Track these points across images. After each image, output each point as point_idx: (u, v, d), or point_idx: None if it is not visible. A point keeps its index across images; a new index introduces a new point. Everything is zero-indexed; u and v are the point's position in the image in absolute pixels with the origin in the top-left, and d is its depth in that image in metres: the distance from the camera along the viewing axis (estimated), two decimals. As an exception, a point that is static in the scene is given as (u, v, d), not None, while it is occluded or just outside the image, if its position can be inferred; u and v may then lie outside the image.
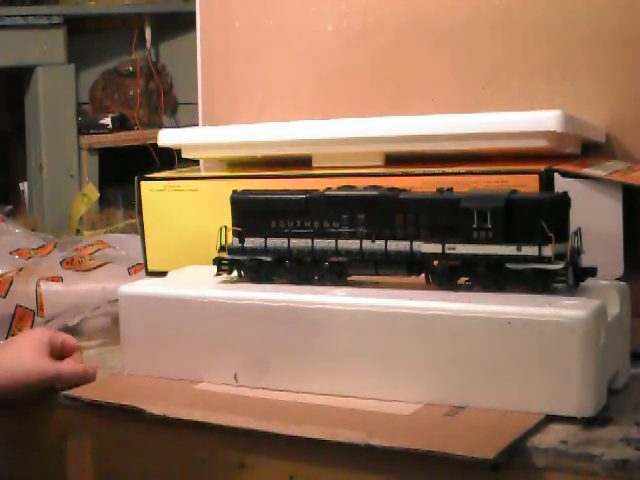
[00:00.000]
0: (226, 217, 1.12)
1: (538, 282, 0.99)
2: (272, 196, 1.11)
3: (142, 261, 1.34)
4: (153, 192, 1.31)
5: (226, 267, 1.12)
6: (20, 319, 1.32)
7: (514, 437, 0.89)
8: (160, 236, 1.31)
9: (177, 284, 1.15)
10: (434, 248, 1.03)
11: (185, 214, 1.29)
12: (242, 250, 1.11)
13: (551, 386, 0.93)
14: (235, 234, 1.11)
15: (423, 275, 1.05)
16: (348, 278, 1.08)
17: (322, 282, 1.09)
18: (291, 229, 1.09)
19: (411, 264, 1.04)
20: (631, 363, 1.05)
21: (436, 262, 1.03)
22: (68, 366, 1.11)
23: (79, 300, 1.36)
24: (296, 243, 1.08)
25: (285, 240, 1.09)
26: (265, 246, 1.10)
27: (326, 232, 1.07)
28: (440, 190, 1.04)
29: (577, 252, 1.00)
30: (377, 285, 1.08)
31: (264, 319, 1.05)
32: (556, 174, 1.09)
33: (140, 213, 1.32)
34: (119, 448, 1.08)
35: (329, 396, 1.02)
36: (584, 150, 1.21)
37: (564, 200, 1.00)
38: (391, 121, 1.23)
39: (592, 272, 1.01)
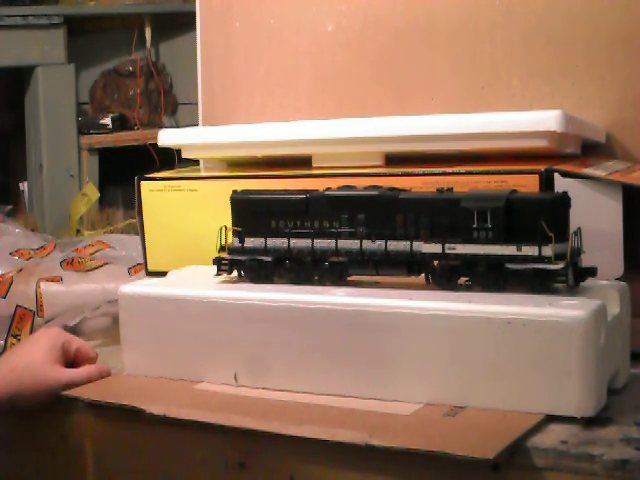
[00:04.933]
0: (226, 217, 1.12)
1: (538, 282, 0.99)
2: (272, 196, 1.11)
3: (142, 261, 1.34)
4: (153, 192, 1.31)
5: (226, 267, 1.12)
6: (20, 319, 1.32)
7: (514, 437, 0.89)
8: (160, 236, 1.31)
9: (177, 284, 1.15)
10: (434, 248, 1.03)
11: (185, 214, 1.29)
12: (242, 250, 1.11)
13: (551, 386, 0.93)
14: (235, 234, 1.11)
15: (423, 275, 1.05)
16: (348, 278, 1.08)
17: (322, 282, 1.09)
18: (291, 229, 1.09)
19: (411, 264, 1.04)
20: (631, 363, 1.05)
21: (436, 262, 1.03)
22: (81, 374, 1.11)
23: (79, 300, 1.36)
24: (296, 243, 1.08)
25: (285, 240, 1.09)
26: (265, 246, 1.10)
27: (326, 232, 1.07)
28: (440, 190, 1.04)
29: (577, 252, 1.00)
30: (377, 285, 1.07)
31: (264, 319, 1.05)
32: (556, 174, 1.09)
33: (140, 213, 1.32)
34: (119, 448, 1.08)
35: (329, 396, 1.02)
36: (584, 150, 1.21)
37: (564, 200, 1.00)
38: (391, 121, 1.23)
39: (592, 272, 1.01)
